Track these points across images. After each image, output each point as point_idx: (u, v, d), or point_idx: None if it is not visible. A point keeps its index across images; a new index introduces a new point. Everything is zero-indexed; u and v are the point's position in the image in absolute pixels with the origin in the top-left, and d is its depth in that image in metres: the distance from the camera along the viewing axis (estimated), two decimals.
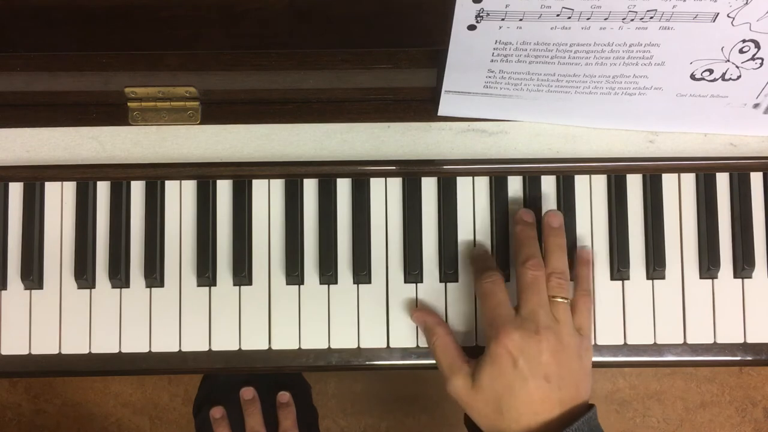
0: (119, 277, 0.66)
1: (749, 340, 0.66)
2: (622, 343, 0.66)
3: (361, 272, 0.66)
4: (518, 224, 0.63)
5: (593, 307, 0.62)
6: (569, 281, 0.60)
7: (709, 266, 0.66)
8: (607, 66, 0.55)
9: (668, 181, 0.67)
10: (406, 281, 0.66)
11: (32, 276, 0.66)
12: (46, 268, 0.67)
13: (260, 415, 0.79)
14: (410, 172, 0.66)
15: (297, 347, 0.66)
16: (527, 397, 0.55)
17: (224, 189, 0.67)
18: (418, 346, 0.66)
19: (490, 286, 0.60)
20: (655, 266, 0.66)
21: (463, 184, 0.67)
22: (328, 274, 0.66)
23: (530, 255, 0.60)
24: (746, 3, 0.49)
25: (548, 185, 0.67)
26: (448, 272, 0.66)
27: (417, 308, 0.65)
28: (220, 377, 0.84)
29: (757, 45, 0.53)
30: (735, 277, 0.66)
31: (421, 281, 0.66)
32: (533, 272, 0.59)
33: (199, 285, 0.67)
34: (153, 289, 0.67)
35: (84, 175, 0.66)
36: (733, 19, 0.50)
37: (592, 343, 0.60)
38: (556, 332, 0.56)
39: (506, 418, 0.55)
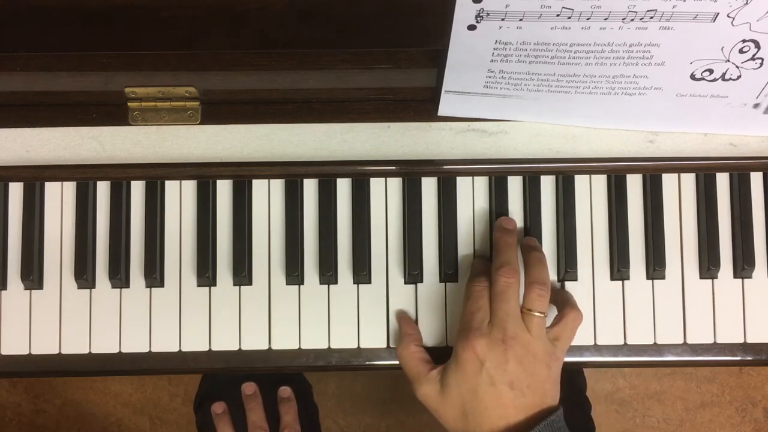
0: (119, 277, 0.66)
1: (749, 340, 0.66)
2: (622, 343, 0.66)
3: (361, 272, 0.66)
4: (498, 231, 0.64)
5: (581, 322, 0.61)
6: (548, 294, 0.60)
7: (709, 266, 0.66)
8: (607, 66, 0.55)
9: (668, 181, 0.67)
10: (406, 281, 0.66)
11: (32, 276, 0.66)
12: (46, 268, 0.67)
13: (262, 409, 0.79)
14: (410, 172, 0.66)
15: (297, 347, 0.66)
16: (491, 402, 0.55)
17: (224, 189, 0.67)
18: None
19: (478, 290, 0.60)
20: (655, 266, 0.66)
21: (463, 184, 0.67)
22: (328, 274, 0.66)
23: (505, 262, 0.60)
24: (746, 3, 0.49)
25: (548, 185, 0.67)
26: (448, 272, 0.66)
27: (400, 311, 0.66)
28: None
29: (757, 45, 0.53)
30: (735, 277, 0.66)
31: (421, 281, 0.66)
32: (505, 279, 0.59)
33: (199, 285, 0.67)
34: (153, 289, 0.67)
35: (84, 175, 0.66)
36: (733, 19, 0.50)
37: (565, 356, 0.60)
38: (524, 342, 0.57)
39: (471, 422, 0.56)
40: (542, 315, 0.58)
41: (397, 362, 0.65)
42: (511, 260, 0.60)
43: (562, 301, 0.62)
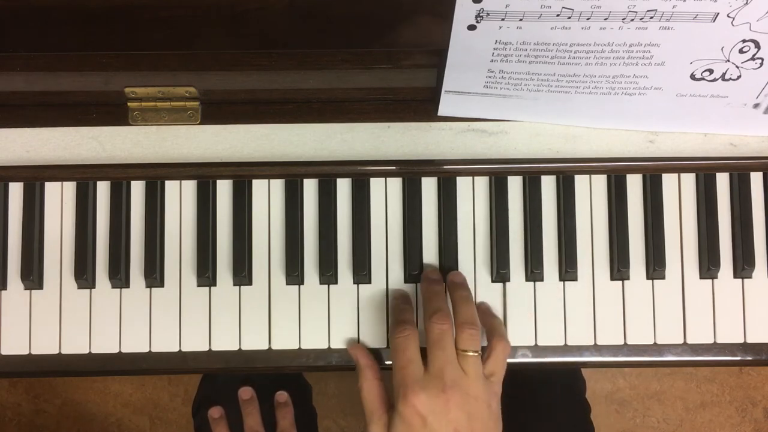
0: (119, 277, 0.66)
1: (749, 340, 0.66)
2: (622, 343, 0.66)
3: (361, 272, 0.66)
4: (424, 281, 0.64)
5: (510, 351, 0.62)
6: (480, 331, 0.60)
7: (709, 266, 0.66)
8: (607, 66, 0.55)
9: (668, 181, 0.67)
10: (406, 281, 0.66)
11: (32, 276, 0.66)
12: (46, 268, 0.67)
13: (259, 414, 0.79)
14: (410, 172, 0.66)
15: (297, 347, 0.66)
16: None
17: (224, 189, 0.67)
18: None
19: (402, 341, 0.59)
20: (655, 266, 0.66)
21: (463, 184, 0.67)
22: (328, 274, 0.66)
23: (436, 309, 0.60)
24: (746, 3, 0.49)
25: (548, 185, 0.67)
26: (448, 272, 0.66)
27: (355, 344, 0.65)
28: (219, 377, 0.84)
29: (757, 45, 0.53)
30: (735, 277, 0.66)
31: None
32: (439, 326, 0.59)
33: (199, 285, 0.67)
34: (153, 289, 0.67)
35: (84, 175, 0.66)
36: (733, 19, 0.50)
37: (501, 389, 0.61)
38: (463, 388, 0.57)
39: None
40: (477, 354, 0.58)
41: None
42: (441, 307, 0.60)
43: (489, 331, 0.62)
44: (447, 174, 0.66)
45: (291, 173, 0.66)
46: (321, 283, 0.67)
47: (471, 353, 0.58)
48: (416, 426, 0.56)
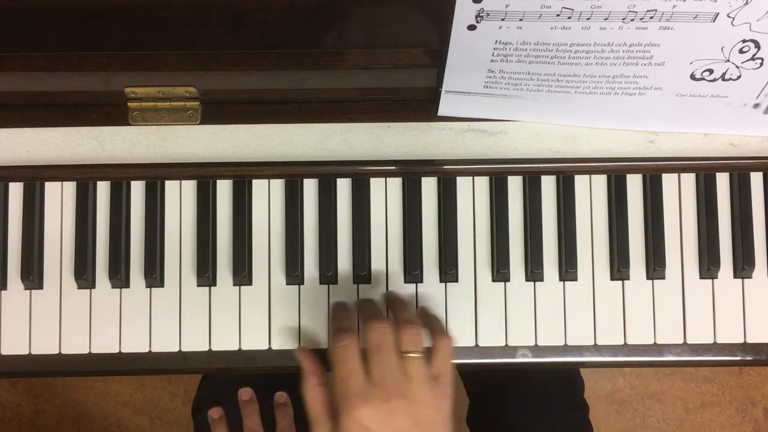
0: (119, 277, 0.66)
1: (749, 340, 0.66)
2: (622, 343, 0.66)
3: (361, 272, 0.66)
4: (357, 301, 0.65)
5: (454, 348, 0.61)
6: (421, 331, 0.58)
7: (709, 266, 0.66)
8: (607, 66, 0.55)
9: (668, 181, 0.67)
10: (406, 281, 0.67)
11: (32, 276, 0.66)
12: (46, 268, 0.67)
13: (258, 415, 0.79)
14: (410, 172, 0.66)
15: (297, 347, 0.66)
16: None
17: (224, 189, 0.67)
18: None
19: (341, 351, 0.57)
20: (655, 266, 0.66)
21: (463, 184, 0.67)
22: (328, 274, 0.66)
23: (372, 314, 0.59)
24: (746, 3, 0.49)
25: (548, 185, 0.67)
26: (448, 272, 0.66)
27: (301, 348, 0.64)
28: (219, 378, 0.84)
29: (757, 45, 0.53)
30: (735, 277, 0.66)
31: (421, 281, 0.66)
32: (379, 328, 0.57)
33: (199, 285, 0.67)
34: (153, 289, 0.67)
35: (84, 175, 0.66)
36: (733, 19, 0.50)
37: (451, 390, 0.59)
38: (407, 394, 0.54)
39: None
40: (420, 355, 0.56)
41: None
42: (377, 312, 0.59)
43: (431, 330, 0.61)
44: (447, 174, 0.66)
45: (291, 173, 0.66)
46: (321, 283, 0.67)
47: (414, 354, 0.56)
48: None
